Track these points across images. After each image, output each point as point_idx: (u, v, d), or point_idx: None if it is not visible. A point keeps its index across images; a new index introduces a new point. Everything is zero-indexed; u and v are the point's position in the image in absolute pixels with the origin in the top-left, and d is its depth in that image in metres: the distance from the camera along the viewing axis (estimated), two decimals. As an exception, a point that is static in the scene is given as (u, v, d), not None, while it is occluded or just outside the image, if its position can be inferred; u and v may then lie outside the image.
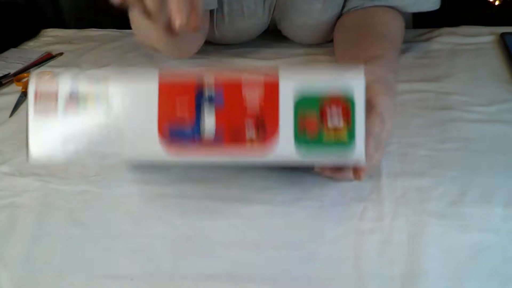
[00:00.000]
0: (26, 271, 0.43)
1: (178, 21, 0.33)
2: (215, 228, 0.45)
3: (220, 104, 0.33)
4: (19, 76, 0.75)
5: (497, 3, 0.76)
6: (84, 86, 0.35)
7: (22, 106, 0.68)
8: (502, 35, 0.66)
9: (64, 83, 0.35)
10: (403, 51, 0.68)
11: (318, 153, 0.32)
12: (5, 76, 0.75)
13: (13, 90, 0.72)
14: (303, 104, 0.32)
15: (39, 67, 0.78)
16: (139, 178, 0.51)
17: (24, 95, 0.70)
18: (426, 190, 0.46)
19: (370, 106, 0.42)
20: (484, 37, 0.68)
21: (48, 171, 0.54)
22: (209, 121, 0.33)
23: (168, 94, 0.34)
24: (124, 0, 0.35)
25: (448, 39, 0.69)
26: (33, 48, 0.85)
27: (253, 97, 0.33)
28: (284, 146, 0.33)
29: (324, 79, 0.32)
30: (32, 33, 0.89)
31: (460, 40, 0.68)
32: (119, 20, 0.72)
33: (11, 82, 0.74)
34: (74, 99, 0.35)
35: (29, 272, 0.43)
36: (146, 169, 0.52)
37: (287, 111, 0.32)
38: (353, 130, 0.32)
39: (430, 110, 0.56)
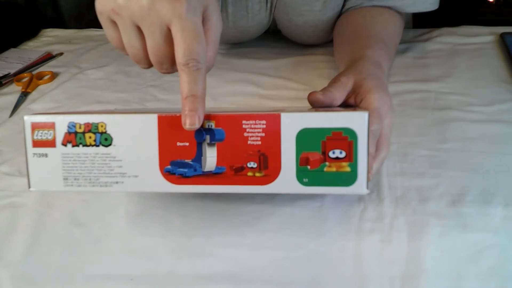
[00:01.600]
0: (26, 271, 0.43)
1: (188, 122, 0.32)
2: (215, 228, 0.45)
3: (221, 139, 0.33)
4: (19, 76, 0.75)
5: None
6: (81, 120, 0.35)
7: (22, 106, 0.68)
8: (502, 35, 0.67)
9: (61, 122, 0.35)
10: (403, 51, 0.68)
11: (319, 184, 0.32)
12: (5, 76, 0.75)
13: (13, 90, 0.72)
14: (305, 137, 0.32)
15: (39, 67, 0.78)
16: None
17: (24, 95, 0.70)
18: (426, 190, 0.46)
19: (365, 103, 0.42)
20: (484, 37, 0.68)
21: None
22: (210, 154, 0.33)
23: (168, 125, 0.34)
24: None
25: (448, 39, 0.69)
26: (33, 48, 0.85)
27: (254, 131, 0.33)
28: (285, 178, 0.33)
29: (326, 115, 0.32)
30: (32, 33, 0.89)
31: (460, 40, 0.68)
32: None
33: (11, 82, 0.75)
34: (73, 134, 0.35)
35: (29, 272, 0.43)
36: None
37: (289, 144, 0.32)
38: (356, 163, 0.32)
39: (430, 110, 0.56)
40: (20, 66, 0.77)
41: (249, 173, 0.33)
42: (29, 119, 0.36)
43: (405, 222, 0.43)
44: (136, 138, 0.34)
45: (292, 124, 0.32)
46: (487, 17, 0.73)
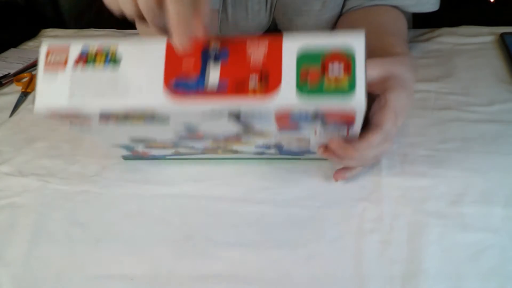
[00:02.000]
0: (26, 271, 0.43)
1: (177, 40, 0.33)
2: (215, 228, 0.45)
3: (225, 60, 0.35)
4: (19, 76, 0.75)
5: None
6: (94, 46, 0.37)
7: (22, 106, 0.68)
8: (502, 35, 0.66)
9: (76, 45, 0.37)
10: (403, 51, 0.68)
11: (318, 99, 0.33)
12: (5, 76, 0.75)
13: (13, 90, 0.72)
14: (305, 59, 0.33)
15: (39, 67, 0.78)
16: (139, 178, 0.51)
17: (24, 95, 0.70)
18: (426, 190, 0.46)
19: (383, 101, 0.42)
20: (484, 37, 0.68)
21: (48, 171, 0.54)
22: (213, 74, 0.34)
23: (175, 52, 0.35)
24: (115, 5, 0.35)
25: (448, 39, 0.69)
26: (33, 48, 0.85)
27: (257, 54, 0.34)
28: (286, 94, 0.33)
29: (325, 38, 0.34)
30: (32, 33, 0.89)
31: (460, 40, 0.68)
32: (119, 20, 0.72)
33: (11, 82, 0.74)
34: (84, 56, 0.37)
35: (29, 272, 0.43)
36: (146, 169, 0.52)
37: (290, 65, 0.34)
38: (354, 80, 0.33)
39: (430, 110, 0.56)
40: (20, 66, 0.77)
41: (250, 89, 0.34)
42: (45, 43, 0.37)
43: (405, 222, 0.43)
44: (144, 59, 0.36)
45: (293, 45, 0.34)
46: (487, 17, 0.73)
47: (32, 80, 0.73)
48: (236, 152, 0.48)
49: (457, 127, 0.53)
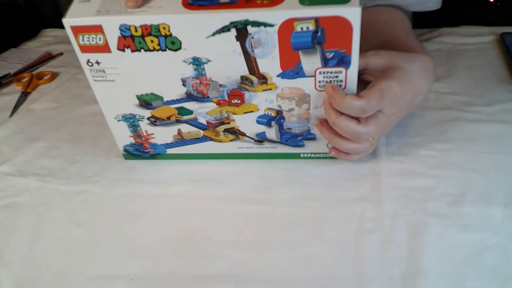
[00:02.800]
0: (26, 271, 0.43)
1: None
2: (215, 228, 0.45)
3: None
4: (19, 76, 0.75)
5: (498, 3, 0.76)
6: None
7: (22, 106, 0.68)
8: (502, 35, 0.66)
9: None
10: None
11: (318, 8, 0.38)
12: (5, 76, 0.75)
13: (13, 90, 0.72)
14: None
15: (39, 67, 0.78)
16: (139, 178, 0.51)
17: (24, 95, 0.70)
18: (426, 190, 0.46)
19: (375, 82, 0.42)
20: (484, 37, 0.68)
21: (48, 171, 0.54)
22: None
23: None
24: None
25: (448, 39, 0.69)
26: (33, 48, 0.85)
27: None
28: (289, 1, 0.39)
29: None
30: (32, 33, 0.89)
31: (460, 40, 0.68)
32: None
33: (11, 82, 0.75)
34: None
35: (29, 272, 0.43)
36: (146, 169, 0.52)
37: None
38: None
39: (430, 110, 0.56)
40: (20, 66, 0.77)
41: (258, 1, 0.39)
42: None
43: (405, 222, 0.43)
44: None
45: None
46: (487, 17, 0.73)
47: (32, 80, 0.73)
48: (238, 135, 0.49)
49: (457, 127, 0.53)
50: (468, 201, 0.44)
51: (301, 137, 0.48)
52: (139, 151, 0.52)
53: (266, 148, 0.50)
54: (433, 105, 0.56)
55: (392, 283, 0.38)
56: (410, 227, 0.42)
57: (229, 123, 0.48)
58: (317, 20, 0.38)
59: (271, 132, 0.48)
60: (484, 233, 0.41)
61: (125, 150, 0.53)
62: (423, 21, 0.72)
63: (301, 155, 0.50)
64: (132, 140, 0.51)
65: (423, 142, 0.51)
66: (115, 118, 0.49)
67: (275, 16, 0.38)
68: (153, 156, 0.53)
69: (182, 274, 0.41)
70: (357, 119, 0.43)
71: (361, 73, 0.44)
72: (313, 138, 0.48)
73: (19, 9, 0.89)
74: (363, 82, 0.44)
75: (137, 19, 0.40)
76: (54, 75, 0.75)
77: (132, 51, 0.42)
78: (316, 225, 0.44)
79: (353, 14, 0.38)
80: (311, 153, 0.50)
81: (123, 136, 0.51)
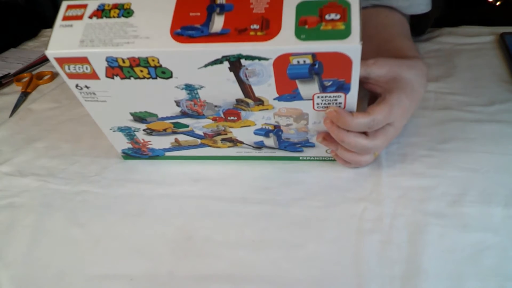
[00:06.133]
0: (26, 271, 0.43)
1: None
2: (215, 228, 0.45)
3: (229, 10, 0.38)
4: (19, 76, 0.75)
5: (498, 3, 0.76)
6: (110, 2, 0.40)
7: (22, 106, 0.68)
8: (502, 35, 0.66)
9: (93, 3, 0.40)
10: (403, 51, 0.68)
11: (315, 42, 0.35)
12: (5, 76, 0.75)
13: (13, 90, 0.72)
14: (304, 9, 0.36)
15: (39, 67, 0.78)
16: (139, 178, 0.51)
17: (24, 95, 0.70)
18: (426, 190, 0.46)
19: (383, 97, 0.42)
20: (484, 37, 0.68)
21: (48, 171, 0.54)
22: (217, 23, 0.37)
23: (184, 5, 0.39)
24: None
25: (448, 39, 0.69)
26: (33, 48, 0.85)
27: (259, 6, 0.37)
28: (285, 35, 0.36)
29: None
30: (32, 33, 0.89)
31: (460, 40, 0.68)
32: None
33: (11, 82, 0.75)
34: (100, 10, 0.40)
35: (29, 272, 0.43)
36: (146, 169, 0.52)
37: (289, 14, 0.37)
38: (349, 25, 0.35)
39: (430, 110, 0.56)
40: (20, 66, 0.77)
41: (252, 33, 0.36)
42: (65, 3, 0.41)
43: (405, 222, 0.43)
44: (154, 9, 0.39)
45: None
46: (487, 17, 0.73)
47: (32, 80, 0.73)
48: (236, 143, 0.48)
49: (457, 127, 0.53)
50: (468, 201, 0.44)
51: (300, 145, 0.48)
52: (138, 153, 0.52)
53: (265, 153, 0.50)
54: (433, 105, 0.56)
55: (392, 283, 0.38)
56: (410, 227, 0.42)
57: (226, 134, 0.47)
58: (314, 55, 0.36)
59: (269, 141, 0.48)
60: (484, 233, 0.41)
61: (124, 152, 0.53)
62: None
63: (300, 158, 0.50)
64: (130, 146, 0.51)
65: (423, 142, 0.51)
66: (111, 129, 0.48)
67: (270, 51, 0.36)
68: (153, 157, 0.53)
69: (182, 274, 0.41)
70: (364, 133, 0.43)
71: (363, 81, 0.44)
72: (311, 146, 0.48)
73: (19, 9, 0.89)
74: (364, 89, 0.44)
75: (124, 52, 0.38)
76: (54, 75, 0.75)
77: (122, 78, 0.40)
78: (316, 225, 0.44)
79: (353, 50, 0.35)
80: (310, 157, 0.50)
81: (121, 143, 0.51)
